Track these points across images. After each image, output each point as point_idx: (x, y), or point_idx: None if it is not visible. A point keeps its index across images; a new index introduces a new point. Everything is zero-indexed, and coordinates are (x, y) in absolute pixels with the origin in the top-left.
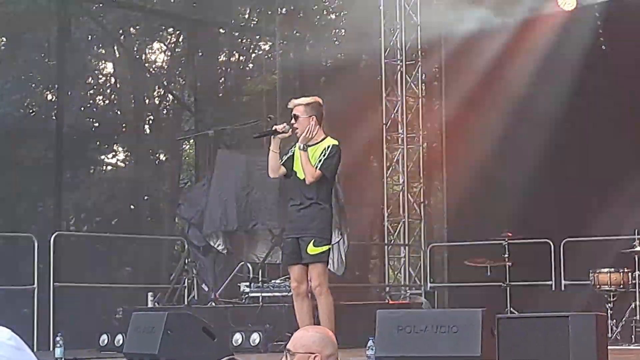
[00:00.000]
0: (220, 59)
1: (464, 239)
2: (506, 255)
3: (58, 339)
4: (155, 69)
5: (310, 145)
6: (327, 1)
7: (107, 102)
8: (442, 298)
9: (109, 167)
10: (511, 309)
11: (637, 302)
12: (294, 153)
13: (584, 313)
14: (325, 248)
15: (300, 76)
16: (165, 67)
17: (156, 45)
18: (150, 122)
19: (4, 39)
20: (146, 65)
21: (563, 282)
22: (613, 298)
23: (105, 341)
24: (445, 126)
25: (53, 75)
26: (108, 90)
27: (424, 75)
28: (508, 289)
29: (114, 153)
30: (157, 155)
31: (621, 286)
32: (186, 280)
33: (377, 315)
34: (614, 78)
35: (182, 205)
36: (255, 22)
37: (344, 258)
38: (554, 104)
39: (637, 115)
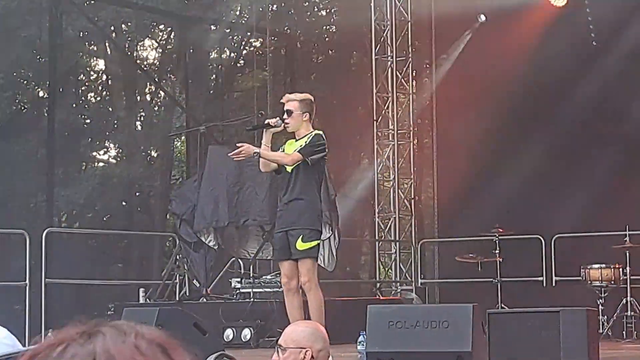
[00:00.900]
0: (211, 56)
1: (455, 235)
2: (497, 251)
3: (50, 335)
4: (147, 65)
5: (298, 139)
6: None
7: (98, 98)
8: (433, 294)
9: (101, 164)
10: (502, 304)
11: (628, 298)
12: (284, 149)
13: (575, 308)
14: (314, 243)
15: (291, 72)
16: (157, 63)
17: (147, 41)
18: (142, 118)
19: None
20: (137, 61)
21: (554, 278)
22: (604, 294)
23: None
24: (435, 122)
25: (45, 72)
26: (99, 87)
27: (414, 71)
28: (499, 284)
29: (105, 149)
30: (149, 151)
31: (612, 282)
32: (177, 276)
33: (368, 310)
34: (604, 75)
35: (174, 201)
36: (246, 19)
37: (334, 254)
38: (544, 100)
39: (627, 111)
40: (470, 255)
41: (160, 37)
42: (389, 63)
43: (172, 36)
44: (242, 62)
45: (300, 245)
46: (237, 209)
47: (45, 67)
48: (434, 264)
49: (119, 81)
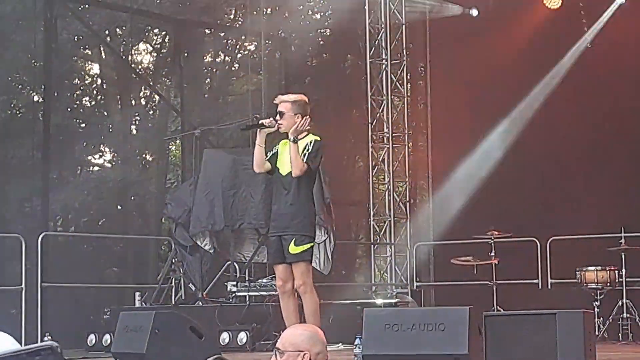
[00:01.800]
0: (206, 60)
1: (450, 237)
2: (492, 254)
3: (46, 339)
4: (142, 69)
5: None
6: (312, 1)
7: (93, 102)
8: (429, 297)
9: (96, 168)
10: (498, 307)
11: (624, 300)
12: (277, 150)
13: (571, 310)
14: (307, 246)
15: (285, 76)
16: (152, 67)
17: (142, 46)
18: (137, 122)
19: None
20: (132, 65)
21: (549, 280)
22: (600, 296)
23: (93, 341)
24: (430, 125)
25: (39, 77)
26: (94, 91)
27: (409, 74)
28: (495, 287)
29: (100, 153)
30: (144, 155)
31: (608, 284)
32: (173, 279)
33: (364, 313)
34: (599, 76)
35: (169, 205)
36: (240, 23)
37: (330, 257)
38: (539, 102)
39: (622, 113)
40: (466, 258)
41: (154, 41)
42: (384, 66)
43: (166, 40)
44: (236, 65)
45: (293, 249)
46: (232, 212)
47: (40, 72)
48: (430, 267)
49: (114, 85)
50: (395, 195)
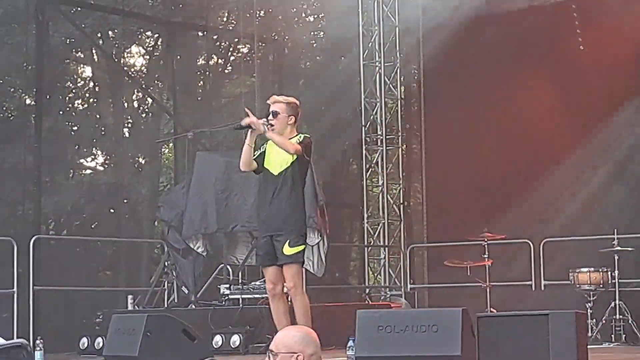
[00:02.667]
0: (198, 62)
1: (444, 239)
2: (486, 256)
3: (38, 342)
4: (134, 72)
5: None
6: (305, 3)
7: (85, 105)
8: (422, 299)
9: (88, 171)
10: (491, 309)
11: (617, 301)
12: (265, 150)
13: (563, 311)
14: (300, 248)
15: (279, 78)
16: (144, 70)
17: (134, 48)
18: (129, 125)
19: None
20: (125, 68)
21: (543, 282)
22: (593, 297)
23: (86, 344)
24: (424, 127)
25: (31, 79)
26: (87, 94)
27: (402, 77)
28: (488, 289)
29: (93, 156)
30: (137, 158)
31: (601, 285)
32: (166, 282)
33: (357, 315)
34: (591, 78)
35: (162, 207)
36: (233, 25)
37: (324, 259)
38: (533, 104)
39: (615, 113)
40: (460, 260)
41: (147, 44)
42: (377, 68)
43: (159, 42)
44: (229, 68)
45: (287, 250)
46: (225, 215)
47: (32, 75)
48: (423, 269)
49: (106, 88)
50: (389, 197)
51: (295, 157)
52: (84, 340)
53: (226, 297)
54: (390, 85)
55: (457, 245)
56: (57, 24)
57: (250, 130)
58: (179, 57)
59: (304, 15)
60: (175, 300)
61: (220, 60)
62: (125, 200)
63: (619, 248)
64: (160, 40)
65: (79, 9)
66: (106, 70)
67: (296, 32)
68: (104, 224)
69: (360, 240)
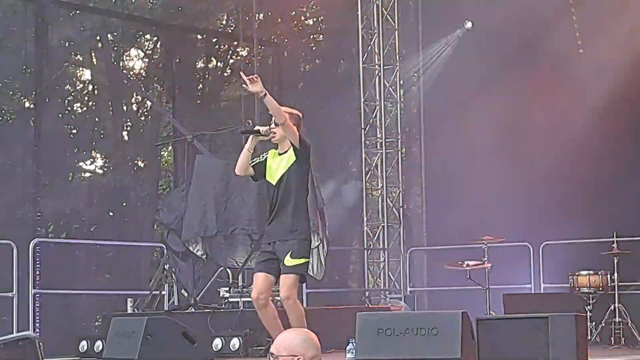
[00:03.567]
0: (198, 65)
1: (443, 242)
2: (485, 259)
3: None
4: (133, 75)
5: (281, 153)
6: (304, 7)
7: (84, 108)
8: (422, 302)
9: (88, 174)
10: (491, 312)
11: (616, 304)
12: (265, 159)
13: (563, 314)
14: (302, 261)
15: (278, 82)
16: (143, 73)
17: (134, 51)
18: (129, 128)
19: None
20: (124, 71)
21: (542, 285)
22: (592, 300)
23: (85, 347)
24: (423, 130)
25: (31, 82)
26: (86, 97)
27: (402, 80)
28: (488, 292)
29: (92, 160)
30: (136, 161)
31: (600, 288)
32: (166, 285)
33: (357, 317)
34: (589, 81)
35: (161, 210)
36: (232, 28)
37: (323, 262)
38: (532, 109)
39: (614, 118)
40: (459, 263)
41: (146, 47)
42: (377, 71)
43: (158, 46)
44: (229, 71)
45: (289, 261)
46: (225, 218)
47: (31, 78)
48: (423, 272)
49: (106, 91)
50: (388, 200)
51: (293, 159)
52: (84, 343)
53: (226, 300)
54: (390, 89)
55: (456, 248)
56: (56, 26)
57: (252, 136)
58: (178, 60)
59: (303, 18)
60: (175, 304)
61: (219, 64)
62: (124, 204)
63: (618, 251)
64: (159, 43)
65: (78, 12)
66: (105, 73)
67: (295, 35)
68: (104, 227)
69: (360, 244)
